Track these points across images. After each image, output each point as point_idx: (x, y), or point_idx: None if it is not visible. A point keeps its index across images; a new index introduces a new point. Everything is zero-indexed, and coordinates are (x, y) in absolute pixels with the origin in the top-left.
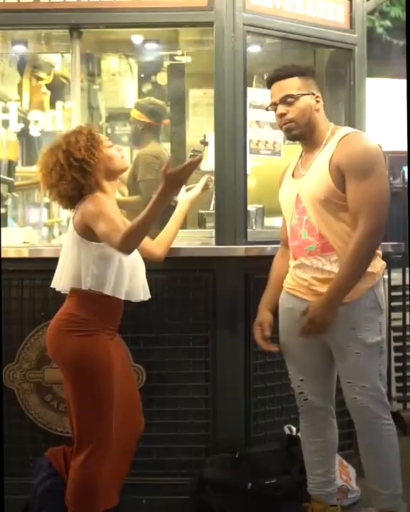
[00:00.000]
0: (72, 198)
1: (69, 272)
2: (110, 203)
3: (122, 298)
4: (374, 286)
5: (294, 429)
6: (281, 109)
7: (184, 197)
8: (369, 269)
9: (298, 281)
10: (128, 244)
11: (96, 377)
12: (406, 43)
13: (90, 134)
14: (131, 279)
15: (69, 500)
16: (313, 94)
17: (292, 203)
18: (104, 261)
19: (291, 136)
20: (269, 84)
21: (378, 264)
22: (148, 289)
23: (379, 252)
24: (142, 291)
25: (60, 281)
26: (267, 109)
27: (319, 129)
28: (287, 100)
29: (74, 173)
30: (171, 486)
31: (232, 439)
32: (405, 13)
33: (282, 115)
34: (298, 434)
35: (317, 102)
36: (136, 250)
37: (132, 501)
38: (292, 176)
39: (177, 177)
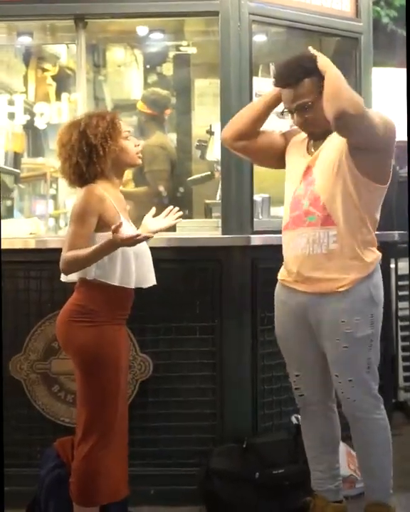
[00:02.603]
0: (73, 179)
1: None
2: (112, 194)
3: (132, 287)
4: (367, 276)
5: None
6: (299, 118)
7: (149, 227)
8: (362, 255)
9: (288, 266)
10: (62, 269)
11: (104, 368)
12: (406, 34)
13: (112, 122)
14: (138, 267)
15: (72, 490)
16: (322, 87)
17: (300, 173)
18: None
19: (314, 137)
20: (277, 86)
21: (371, 255)
22: (153, 275)
23: (372, 235)
24: (148, 278)
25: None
26: (282, 114)
27: None
28: (303, 108)
29: (80, 158)
30: (178, 476)
31: (239, 429)
32: (406, 4)
33: (301, 123)
34: None
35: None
36: None
37: (140, 492)
38: (306, 150)
39: (122, 242)
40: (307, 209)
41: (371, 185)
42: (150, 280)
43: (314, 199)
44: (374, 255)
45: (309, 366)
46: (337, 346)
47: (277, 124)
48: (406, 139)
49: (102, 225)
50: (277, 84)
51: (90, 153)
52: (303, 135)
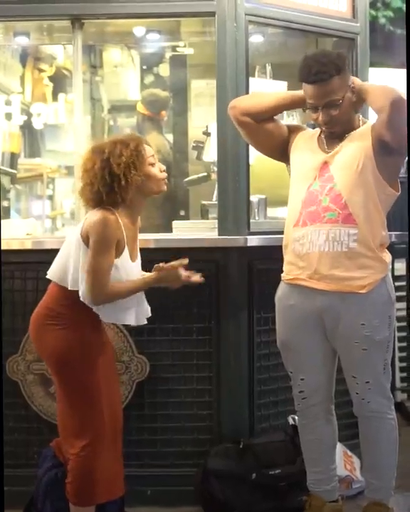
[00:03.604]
0: (90, 204)
1: (74, 274)
2: (125, 223)
3: (109, 322)
4: (385, 276)
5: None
6: (325, 116)
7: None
8: (380, 254)
9: (301, 264)
10: (100, 303)
11: (78, 370)
12: (406, 33)
13: (136, 150)
14: (125, 303)
15: (68, 490)
16: (349, 86)
17: (314, 169)
18: None
19: (334, 135)
20: (306, 82)
21: (387, 256)
22: (148, 312)
23: (387, 235)
24: (134, 317)
25: (56, 273)
26: (304, 110)
27: (355, 117)
28: (332, 105)
29: (101, 186)
30: (175, 476)
31: (236, 430)
32: (405, 5)
33: (327, 121)
34: None
35: (353, 92)
36: (140, 273)
37: (137, 492)
38: (318, 146)
39: (168, 280)
40: (326, 205)
41: (388, 189)
42: (139, 319)
43: (335, 196)
44: (388, 256)
45: (316, 369)
46: (355, 349)
47: None
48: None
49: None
50: (306, 79)
51: (112, 182)
52: (312, 131)
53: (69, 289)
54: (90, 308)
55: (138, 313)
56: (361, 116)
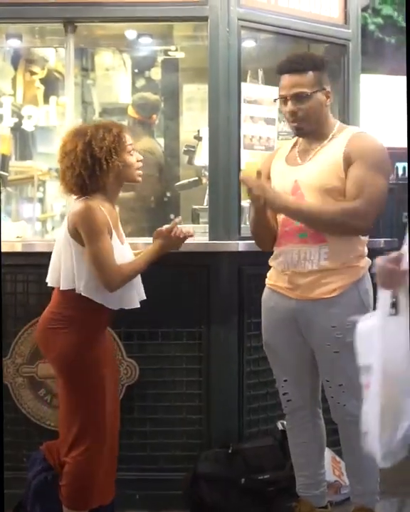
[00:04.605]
0: (72, 189)
1: (64, 272)
2: (106, 208)
3: (115, 308)
4: (358, 281)
5: None
6: (292, 106)
7: None
8: (354, 263)
9: (279, 274)
10: (117, 287)
11: (85, 373)
12: (406, 39)
13: (118, 136)
14: (125, 287)
15: (63, 493)
16: (324, 89)
17: (287, 188)
18: None
19: (300, 134)
20: (281, 72)
21: (363, 261)
22: (143, 292)
23: (364, 248)
24: (137, 298)
25: (54, 277)
26: (275, 101)
27: (328, 123)
28: (299, 97)
29: (83, 169)
30: (164, 481)
31: (225, 435)
32: (405, 9)
33: (293, 112)
34: None
35: (328, 97)
36: (132, 254)
37: (126, 496)
38: (286, 162)
39: (171, 244)
40: (298, 226)
41: None
42: (138, 299)
43: None
44: (364, 261)
45: (298, 371)
46: (327, 351)
47: (265, 130)
48: (390, 145)
49: None
50: (281, 70)
51: (93, 166)
52: (283, 150)
53: (61, 289)
54: (94, 310)
55: (139, 295)
56: (339, 122)
